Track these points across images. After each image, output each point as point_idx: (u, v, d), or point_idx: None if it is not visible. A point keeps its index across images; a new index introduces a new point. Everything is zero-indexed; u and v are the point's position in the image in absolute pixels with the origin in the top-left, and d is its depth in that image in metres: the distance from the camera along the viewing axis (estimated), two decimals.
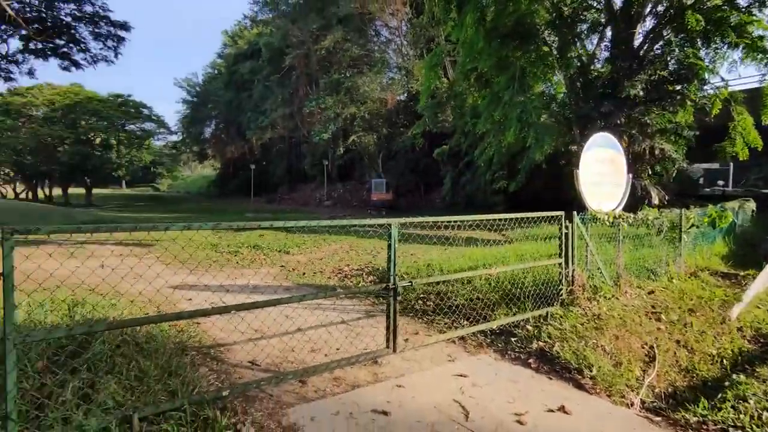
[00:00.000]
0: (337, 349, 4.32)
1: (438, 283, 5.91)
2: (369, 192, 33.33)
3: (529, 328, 4.71)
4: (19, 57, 14.97)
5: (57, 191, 50.93)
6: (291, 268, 8.75)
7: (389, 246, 3.77)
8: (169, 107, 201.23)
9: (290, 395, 3.41)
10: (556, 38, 15.01)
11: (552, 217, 5.25)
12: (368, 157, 35.85)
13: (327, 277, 7.87)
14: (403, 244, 10.74)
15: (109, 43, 15.62)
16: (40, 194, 51.65)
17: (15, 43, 14.76)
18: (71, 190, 50.11)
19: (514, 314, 4.99)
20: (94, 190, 51.43)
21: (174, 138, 59.04)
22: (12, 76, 15.54)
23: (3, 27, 13.81)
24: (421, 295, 5.96)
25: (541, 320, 4.90)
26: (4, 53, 14.68)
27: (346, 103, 32.47)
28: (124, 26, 15.79)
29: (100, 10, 14.70)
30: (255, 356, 4.11)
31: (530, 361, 4.11)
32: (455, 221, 4.62)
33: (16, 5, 12.95)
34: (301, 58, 36.60)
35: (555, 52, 15.16)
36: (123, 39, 15.92)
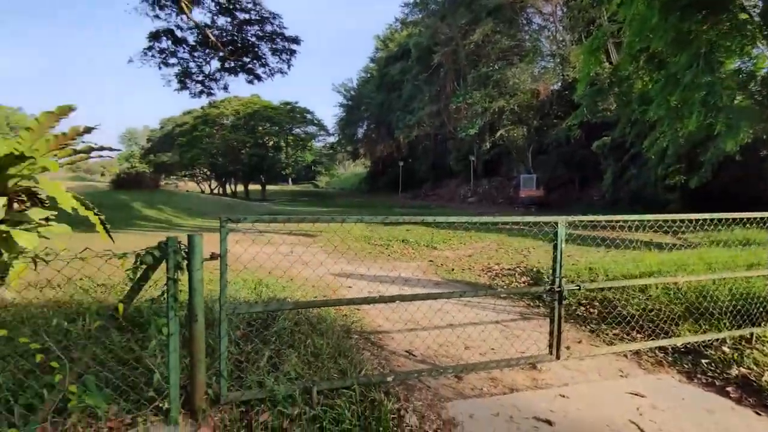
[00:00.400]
0: (492, 349, 4.23)
1: (603, 289, 5.36)
2: (516, 188, 31.93)
3: (726, 350, 3.97)
4: (217, 75, 18.16)
5: (240, 187, 60.20)
6: (439, 264, 8.86)
7: (555, 246, 3.53)
8: (328, 111, 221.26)
9: (447, 389, 3.45)
10: (760, 1, 12.31)
11: (762, 219, 4.32)
12: (516, 151, 34.32)
13: (476, 275, 7.76)
14: (549, 244, 10.07)
15: (283, 56, 17.87)
16: (228, 190, 61.65)
17: (214, 64, 17.86)
18: (250, 187, 58.69)
19: (704, 332, 4.26)
20: (267, 187, 59.35)
21: (331, 139, 64.64)
22: (212, 91, 18.88)
23: (207, 51, 16.88)
24: (583, 301, 5.48)
25: (743, 342, 4.09)
26: (207, 73, 17.91)
27: (494, 97, 31.54)
28: (296, 40, 17.86)
29: (278, 28, 16.92)
30: (411, 346, 4.25)
31: (729, 389, 3.45)
32: (633, 221, 4.10)
33: (216, 32, 15.71)
34: (448, 55, 36.70)
35: (757, 19, 12.44)
36: (294, 52, 18.07)
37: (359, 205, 37.32)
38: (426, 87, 41.41)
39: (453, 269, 8.29)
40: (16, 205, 5.04)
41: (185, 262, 2.64)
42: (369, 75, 60.71)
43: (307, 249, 9.49)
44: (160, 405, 2.69)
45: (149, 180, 33.74)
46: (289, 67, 18.11)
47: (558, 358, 3.67)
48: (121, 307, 2.60)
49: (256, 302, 4.33)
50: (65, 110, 4.95)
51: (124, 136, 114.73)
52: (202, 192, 58.78)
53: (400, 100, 47.15)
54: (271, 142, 55.90)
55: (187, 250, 2.64)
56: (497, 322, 4.99)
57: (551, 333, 3.64)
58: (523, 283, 6.96)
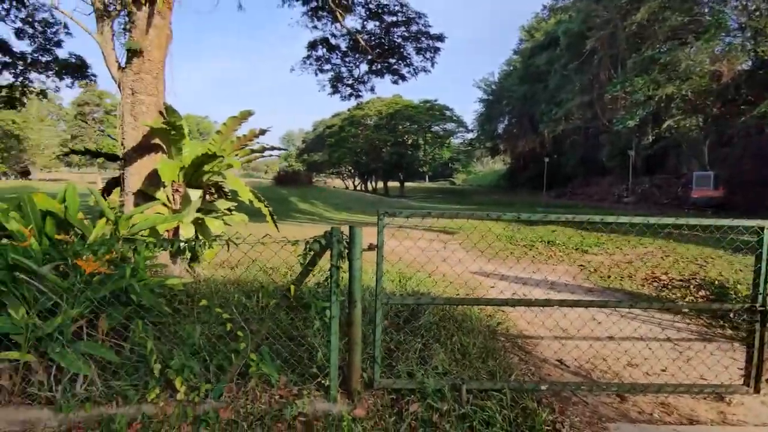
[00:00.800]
0: (663, 370, 3.70)
1: None
2: (686, 187, 27.51)
3: None
4: (365, 77, 19.19)
5: (380, 184, 63.23)
6: (592, 269, 8.10)
7: (758, 256, 2.91)
8: (468, 107, 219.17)
9: (608, 408, 3.10)
10: None
11: None
12: (688, 144, 29.55)
13: (639, 284, 6.89)
14: (733, 254, 8.53)
15: (427, 55, 18.02)
16: (369, 187, 65.28)
17: (363, 67, 18.91)
18: (389, 184, 61.21)
19: None
20: (405, 184, 61.22)
21: (470, 136, 63.77)
22: (360, 93, 20.00)
23: (356, 56, 17.95)
24: None
25: None
26: (356, 76, 19.07)
27: (660, 83, 27.51)
28: (440, 38, 17.83)
29: (422, 27, 17.12)
30: (562, 356, 3.94)
31: None
32: None
33: (365, 37, 16.61)
34: (604, 39, 33.16)
35: None
36: (438, 49, 18.07)
37: (497, 203, 36.18)
38: (576, 76, 38.10)
39: (609, 276, 7.49)
40: (207, 197, 6.00)
41: (346, 252, 2.82)
42: (512, 68, 58.34)
43: (454, 247, 9.49)
44: (322, 381, 2.92)
45: (303, 177, 37.62)
46: (432, 65, 18.20)
47: (757, 391, 3.04)
48: (293, 288, 2.89)
49: (407, 295, 4.45)
50: (246, 115, 5.72)
51: (284, 138, 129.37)
52: (347, 188, 63.18)
53: (545, 92, 44.30)
54: (410, 140, 57.45)
55: (348, 240, 2.81)
56: (668, 339, 4.33)
57: (749, 360, 3.02)
58: (702, 298, 5.94)
